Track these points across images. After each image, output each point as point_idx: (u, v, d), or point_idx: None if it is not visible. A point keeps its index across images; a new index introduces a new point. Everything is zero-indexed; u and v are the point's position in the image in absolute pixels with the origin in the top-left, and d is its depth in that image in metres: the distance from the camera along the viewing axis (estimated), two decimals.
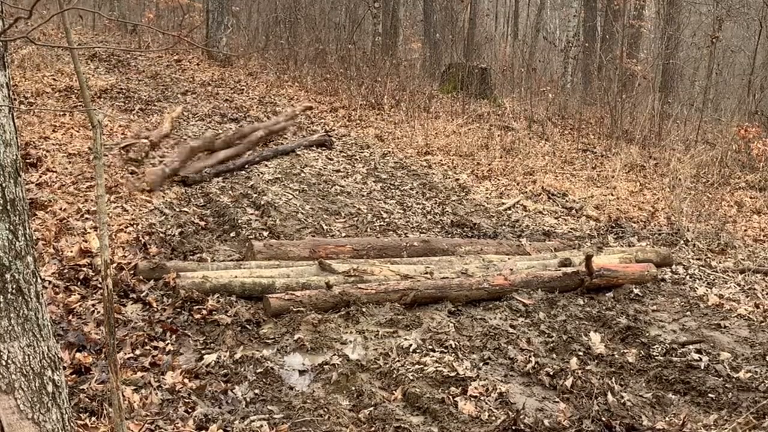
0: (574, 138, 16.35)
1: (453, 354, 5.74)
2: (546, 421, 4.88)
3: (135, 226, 7.59)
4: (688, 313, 7.14)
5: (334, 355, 5.53)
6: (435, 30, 25.48)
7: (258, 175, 10.39)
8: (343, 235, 8.53)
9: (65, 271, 6.23)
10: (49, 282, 5.91)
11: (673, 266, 8.45)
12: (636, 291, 7.51)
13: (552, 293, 7.20)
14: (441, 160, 13.29)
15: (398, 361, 5.49)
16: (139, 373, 4.94)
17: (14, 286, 2.79)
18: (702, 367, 5.86)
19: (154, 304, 6.01)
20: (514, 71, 22.77)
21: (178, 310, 5.98)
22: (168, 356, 5.27)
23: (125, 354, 5.15)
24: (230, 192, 9.41)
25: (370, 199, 10.35)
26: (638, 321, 6.78)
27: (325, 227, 8.70)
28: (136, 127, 11.93)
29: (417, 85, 19.71)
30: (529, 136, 15.88)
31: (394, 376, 5.30)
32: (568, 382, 5.42)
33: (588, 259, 7.38)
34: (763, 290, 7.96)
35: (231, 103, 15.69)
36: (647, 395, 5.41)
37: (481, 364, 5.67)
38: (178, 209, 8.45)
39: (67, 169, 8.80)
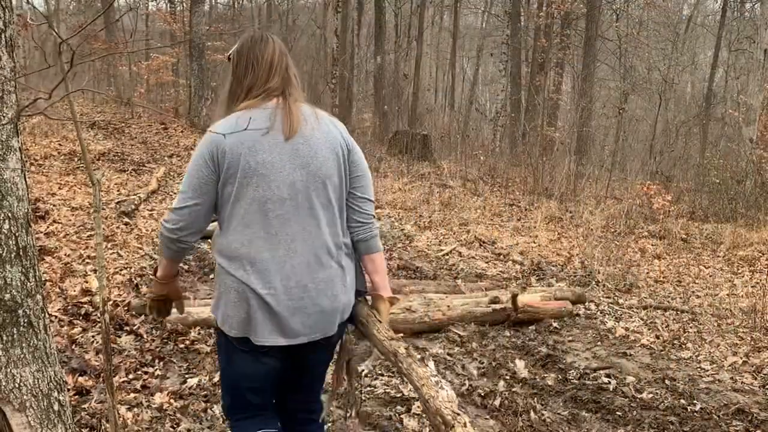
0: (502, 194, 16.51)
1: (399, 378, 5.77)
2: None
3: (128, 269, 7.58)
4: (599, 343, 7.23)
5: None
6: (384, 102, 25.68)
7: None
8: None
9: (69, 307, 6.23)
10: (56, 317, 5.91)
11: (587, 303, 8.53)
12: (555, 324, 7.59)
13: (483, 326, 7.26)
14: (389, 213, 13.35)
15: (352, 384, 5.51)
16: (132, 395, 4.95)
17: (26, 320, 2.81)
18: (611, 389, 5.95)
19: (145, 336, 6.01)
20: (451, 137, 22.99)
21: (165, 340, 6.00)
22: (156, 380, 5.28)
23: (120, 378, 5.16)
24: (209, 241, 9.39)
25: None
26: (556, 350, 6.85)
27: None
28: (130, 185, 11.92)
29: (368, 149, 19.80)
30: (464, 193, 16.01)
31: (348, 397, 5.32)
32: (497, 402, 5.47)
33: (514, 297, 7.46)
34: (662, 324, 8.07)
35: None
36: (564, 413, 5.47)
37: None
38: None
39: (70, 220, 8.77)
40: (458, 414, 2.64)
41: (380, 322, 3.23)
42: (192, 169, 2.95)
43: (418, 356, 2.95)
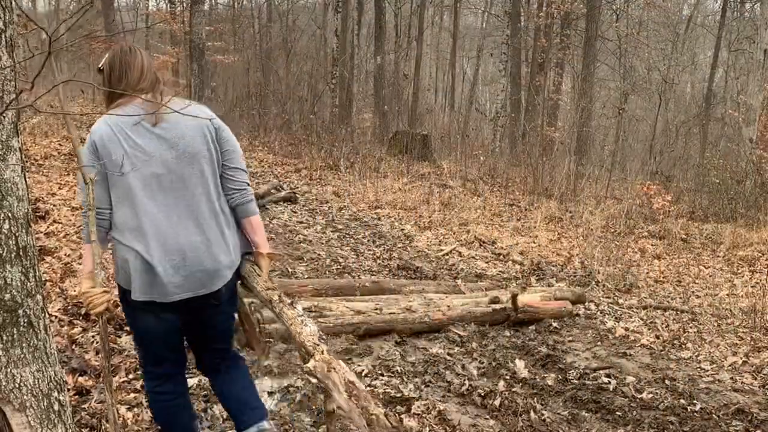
0: (501, 194, 16.50)
1: (399, 378, 5.77)
2: None
3: None
4: (599, 343, 7.23)
5: (298, 378, 5.54)
6: (384, 102, 25.64)
7: None
8: (306, 276, 8.55)
9: (69, 307, 6.20)
10: (56, 317, 5.89)
11: (586, 303, 8.54)
12: (555, 324, 7.59)
13: (483, 326, 7.26)
14: (389, 213, 13.36)
15: None
16: (132, 394, 4.93)
17: (26, 320, 2.81)
18: (611, 389, 5.95)
19: None
20: (451, 137, 22.99)
21: None
22: None
23: (120, 378, 5.14)
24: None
25: (328, 246, 10.38)
26: (556, 350, 6.85)
27: (290, 270, 8.71)
28: None
29: (368, 149, 19.82)
30: (464, 193, 16.00)
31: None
32: (497, 402, 5.47)
33: (514, 297, 7.45)
34: (662, 324, 8.08)
35: None
36: (564, 413, 5.47)
37: (422, 386, 5.70)
38: None
39: (70, 220, 8.76)
40: (317, 344, 3.24)
41: (259, 276, 3.74)
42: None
43: (288, 301, 3.55)
